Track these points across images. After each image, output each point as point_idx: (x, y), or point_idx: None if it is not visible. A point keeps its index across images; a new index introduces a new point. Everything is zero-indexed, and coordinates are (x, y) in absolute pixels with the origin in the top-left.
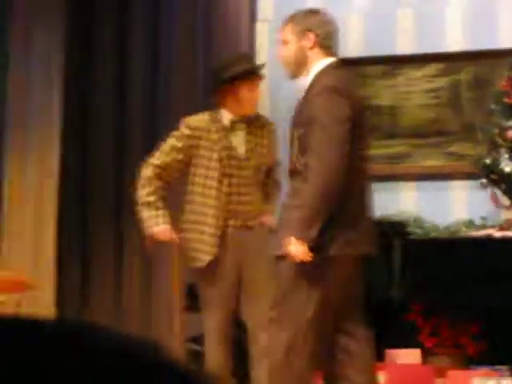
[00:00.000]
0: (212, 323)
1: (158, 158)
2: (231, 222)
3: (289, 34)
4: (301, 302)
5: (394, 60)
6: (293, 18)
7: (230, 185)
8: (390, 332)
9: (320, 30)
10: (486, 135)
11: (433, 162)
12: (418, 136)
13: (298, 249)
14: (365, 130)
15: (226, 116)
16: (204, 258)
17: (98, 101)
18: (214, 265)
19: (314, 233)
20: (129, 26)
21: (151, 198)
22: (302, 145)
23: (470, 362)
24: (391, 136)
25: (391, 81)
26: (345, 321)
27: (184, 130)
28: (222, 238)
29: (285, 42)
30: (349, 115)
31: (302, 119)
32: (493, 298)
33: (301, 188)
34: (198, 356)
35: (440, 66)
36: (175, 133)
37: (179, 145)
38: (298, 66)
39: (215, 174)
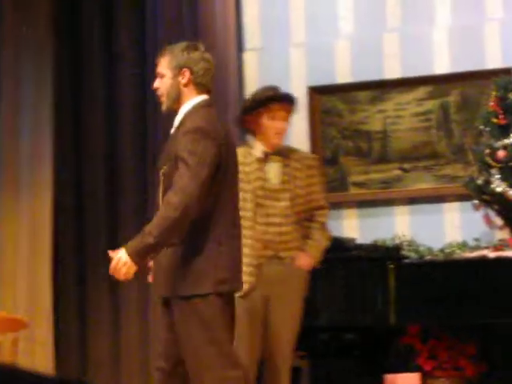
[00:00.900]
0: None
1: None
2: (264, 253)
3: (165, 67)
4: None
5: (382, 85)
6: (171, 52)
7: (264, 215)
8: (387, 356)
9: (196, 67)
10: (476, 156)
11: (425, 184)
12: (409, 160)
13: (123, 264)
14: (234, 168)
15: (259, 148)
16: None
17: (91, 138)
18: (246, 295)
19: (143, 261)
20: (118, 61)
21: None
22: (166, 183)
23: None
24: (382, 161)
25: (380, 106)
26: None
27: None
28: (257, 268)
29: (160, 75)
30: (214, 158)
31: (168, 157)
32: (489, 318)
33: None
34: None
35: (428, 88)
36: None
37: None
38: (171, 101)
39: (250, 205)
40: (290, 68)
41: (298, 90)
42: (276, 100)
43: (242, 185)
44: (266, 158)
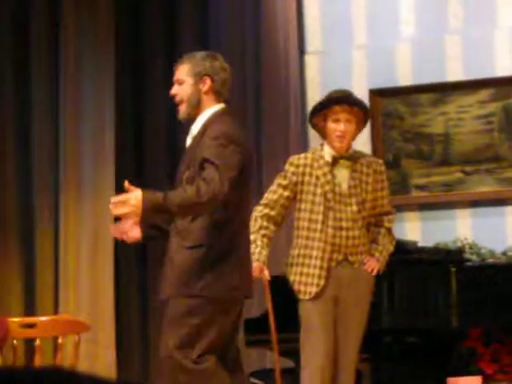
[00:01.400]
0: (314, 360)
1: (265, 198)
2: (334, 256)
3: (184, 74)
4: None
5: (444, 87)
6: (191, 59)
7: (334, 219)
8: (449, 359)
9: (217, 76)
10: None
11: (486, 187)
12: (471, 162)
13: (132, 204)
14: (251, 174)
15: (328, 152)
16: (310, 289)
17: (152, 140)
18: (317, 297)
19: (147, 218)
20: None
21: (251, 237)
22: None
23: None
24: (444, 163)
25: (442, 108)
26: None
27: (288, 168)
28: (327, 271)
29: (179, 82)
30: (239, 162)
31: (192, 163)
32: None
33: (182, 227)
34: None
35: (490, 91)
36: (281, 172)
37: (284, 182)
38: (191, 108)
39: (320, 208)
40: (351, 71)
41: (360, 93)
42: (337, 102)
43: (311, 188)
44: (334, 162)
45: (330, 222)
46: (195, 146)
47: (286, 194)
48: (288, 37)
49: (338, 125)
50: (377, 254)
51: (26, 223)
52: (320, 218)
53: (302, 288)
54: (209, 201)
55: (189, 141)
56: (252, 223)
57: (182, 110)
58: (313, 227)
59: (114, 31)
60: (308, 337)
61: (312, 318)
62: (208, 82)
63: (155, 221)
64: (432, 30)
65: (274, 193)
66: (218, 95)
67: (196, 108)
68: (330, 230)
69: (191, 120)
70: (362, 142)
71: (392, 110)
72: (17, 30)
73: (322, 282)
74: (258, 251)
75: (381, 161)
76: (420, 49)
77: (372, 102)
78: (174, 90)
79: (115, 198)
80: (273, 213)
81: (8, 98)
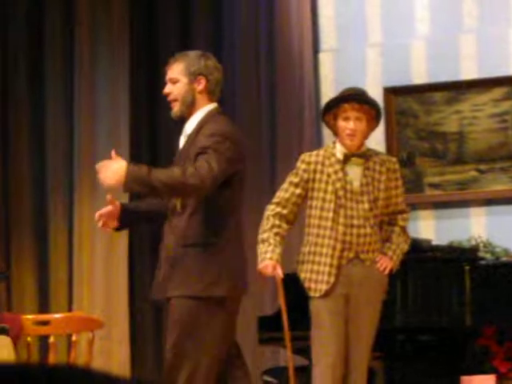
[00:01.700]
0: (324, 358)
1: (277, 197)
2: (345, 254)
3: (179, 73)
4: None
5: (459, 86)
6: (185, 58)
7: (345, 216)
8: (463, 358)
9: (211, 75)
10: None
11: (501, 186)
12: (485, 161)
13: (114, 170)
14: (244, 176)
15: (339, 150)
16: (320, 287)
17: (167, 140)
18: (327, 294)
19: (128, 189)
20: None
21: (264, 235)
22: None
23: None
24: (459, 162)
25: (456, 107)
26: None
27: (300, 165)
28: (337, 269)
29: (173, 81)
30: (233, 158)
31: (187, 159)
32: None
33: (179, 225)
34: None
35: (505, 89)
36: (293, 170)
37: (295, 180)
38: (185, 107)
39: (331, 205)
40: (365, 69)
41: (374, 91)
42: (346, 100)
43: (322, 185)
44: (346, 160)
45: (341, 220)
46: (189, 144)
47: (298, 191)
48: (302, 35)
49: (347, 123)
50: (390, 253)
51: (40, 221)
52: (330, 215)
53: (313, 285)
54: (194, 184)
55: (182, 140)
56: (264, 222)
57: (176, 109)
58: (323, 224)
59: (128, 27)
60: (318, 334)
61: (322, 315)
62: (203, 81)
63: (138, 193)
64: (446, 29)
65: (286, 191)
66: (212, 95)
67: (190, 107)
68: (341, 228)
69: (184, 119)
70: (377, 141)
71: (406, 109)
72: (31, 28)
73: (332, 280)
74: (271, 249)
75: (394, 159)
76: (434, 47)
77: (386, 100)
78: (168, 88)
79: (101, 163)
80: (285, 211)
81: (22, 96)
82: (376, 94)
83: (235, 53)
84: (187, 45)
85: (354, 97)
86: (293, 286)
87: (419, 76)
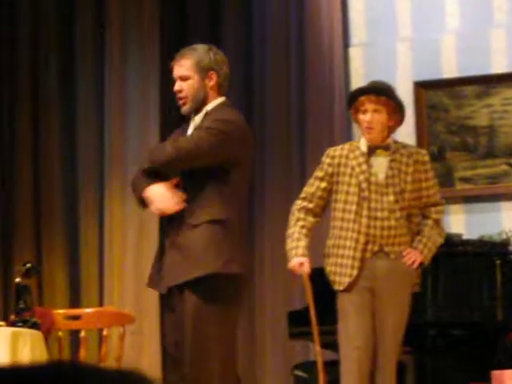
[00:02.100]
0: (350, 352)
1: (303, 192)
2: (369, 247)
3: (189, 69)
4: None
5: (489, 79)
6: (193, 53)
7: (369, 209)
8: (494, 353)
9: (221, 70)
10: None
11: None
12: None
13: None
14: (247, 169)
15: (364, 143)
16: (343, 280)
17: None
18: (351, 287)
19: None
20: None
21: (290, 231)
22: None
23: None
24: (489, 156)
25: (487, 100)
26: None
27: (324, 159)
28: (361, 262)
29: (184, 78)
30: (233, 143)
31: None
32: None
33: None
34: (303, 382)
35: None
36: (319, 165)
37: (320, 174)
38: (197, 104)
39: (354, 198)
40: (395, 63)
41: (404, 85)
42: (362, 93)
43: (346, 178)
44: (371, 153)
45: (365, 212)
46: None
47: (323, 185)
48: (332, 29)
49: (365, 116)
50: (420, 246)
51: (71, 216)
52: (354, 208)
53: (337, 278)
54: (168, 151)
55: (191, 131)
56: (290, 217)
57: (187, 106)
58: (347, 217)
59: (158, 25)
60: (344, 328)
61: (347, 309)
62: (214, 76)
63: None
64: (477, 23)
65: (312, 185)
66: (221, 89)
67: (201, 104)
68: (364, 220)
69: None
70: (407, 134)
71: (436, 103)
72: (62, 26)
73: (355, 273)
74: (295, 245)
75: (424, 151)
76: (465, 41)
77: (416, 95)
78: (179, 86)
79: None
80: (311, 205)
81: (53, 95)
82: (406, 88)
83: (265, 47)
84: (217, 41)
85: (371, 89)
86: (320, 279)
87: (449, 70)
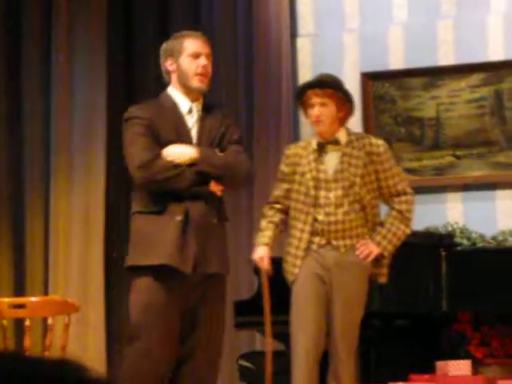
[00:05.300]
0: (300, 341)
1: (271, 195)
2: (316, 240)
3: (209, 50)
4: None
5: (436, 71)
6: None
7: (315, 206)
8: (439, 343)
9: None
10: None
11: (478, 172)
12: (462, 146)
13: None
14: None
15: (314, 140)
16: (293, 270)
17: None
18: (302, 278)
19: None
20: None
21: (260, 226)
22: None
23: None
24: (435, 147)
25: (434, 92)
26: None
27: (283, 160)
28: (304, 258)
29: (209, 57)
30: None
31: (214, 139)
32: None
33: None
34: (249, 372)
35: (482, 75)
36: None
37: (280, 175)
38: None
39: (301, 197)
40: (343, 54)
41: (351, 77)
42: (308, 87)
43: (298, 177)
44: (322, 148)
45: (311, 209)
46: (213, 119)
47: (285, 186)
48: (280, 20)
49: (313, 110)
50: (378, 238)
51: (16, 205)
52: (300, 206)
53: (288, 268)
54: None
55: (195, 116)
56: (260, 218)
57: (207, 85)
58: (297, 216)
59: (106, 28)
60: (295, 317)
61: (296, 298)
62: None
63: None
64: (424, 15)
65: (276, 188)
66: None
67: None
68: (310, 218)
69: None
70: (354, 126)
71: (384, 94)
72: (8, 31)
73: (296, 271)
74: (261, 235)
75: (380, 142)
76: (412, 33)
77: (364, 86)
78: (207, 62)
79: None
80: (279, 206)
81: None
82: (353, 79)
83: (213, 37)
84: (164, 33)
85: (316, 83)
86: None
87: (397, 62)
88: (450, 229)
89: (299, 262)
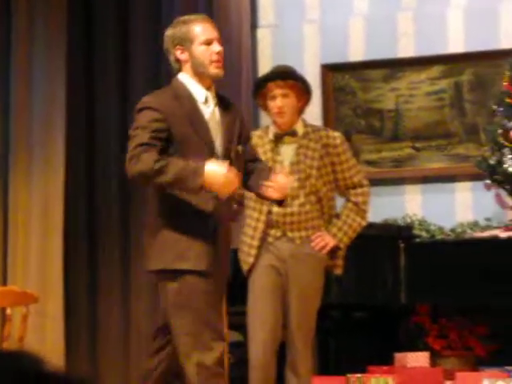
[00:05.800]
0: (257, 332)
1: None
2: (272, 232)
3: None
4: None
5: (396, 63)
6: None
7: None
8: (397, 335)
9: None
10: (489, 136)
11: (437, 164)
12: (421, 138)
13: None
14: None
15: (272, 130)
16: (244, 267)
17: (102, 110)
18: (254, 268)
19: None
20: (131, 33)
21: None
22: (238, 163)
23: (479, 363)
24: (395, 139)
25: (393, 84)
26: None
27: None
28: (259, 249)
29: (220, 40)
30: None
31: (234, 137)
32: (500, 299)
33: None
34: None
35: (442, 67)
36: None
37: None
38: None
39: None
40: (303, 45)
41: (312, 68)
42: (269, 79)
43: None
44: (279, 140)
45: (266, 201)
46: (230, 114)
47: None
48: (240, 10)
49: (275, 101)
50: (334, 230)
51: None
52: (254, 196)
53: (243, 258)
54: None
55: (211, 106)
56: None
57: (222, 71)
58: (252, 205)
59: (66, 23)
60: (251, 308)
61: (252, 290)
62: None
63: None
64: (384, 6)
65: None
66: None
67: None
68: (265, 208)
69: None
70: (314, 117)
71: (343, 86)
72: None
73: (251, 261)
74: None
75: (337, 134)
76: (372, 24)
77: (324, 77)
78: (221, 47)
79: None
80: None
81: None
82: (313, 70)
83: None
84: (124, 25)
85: (278, 75)
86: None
87: (357, 53)
88: (408, 221)
89: (254, 251)
